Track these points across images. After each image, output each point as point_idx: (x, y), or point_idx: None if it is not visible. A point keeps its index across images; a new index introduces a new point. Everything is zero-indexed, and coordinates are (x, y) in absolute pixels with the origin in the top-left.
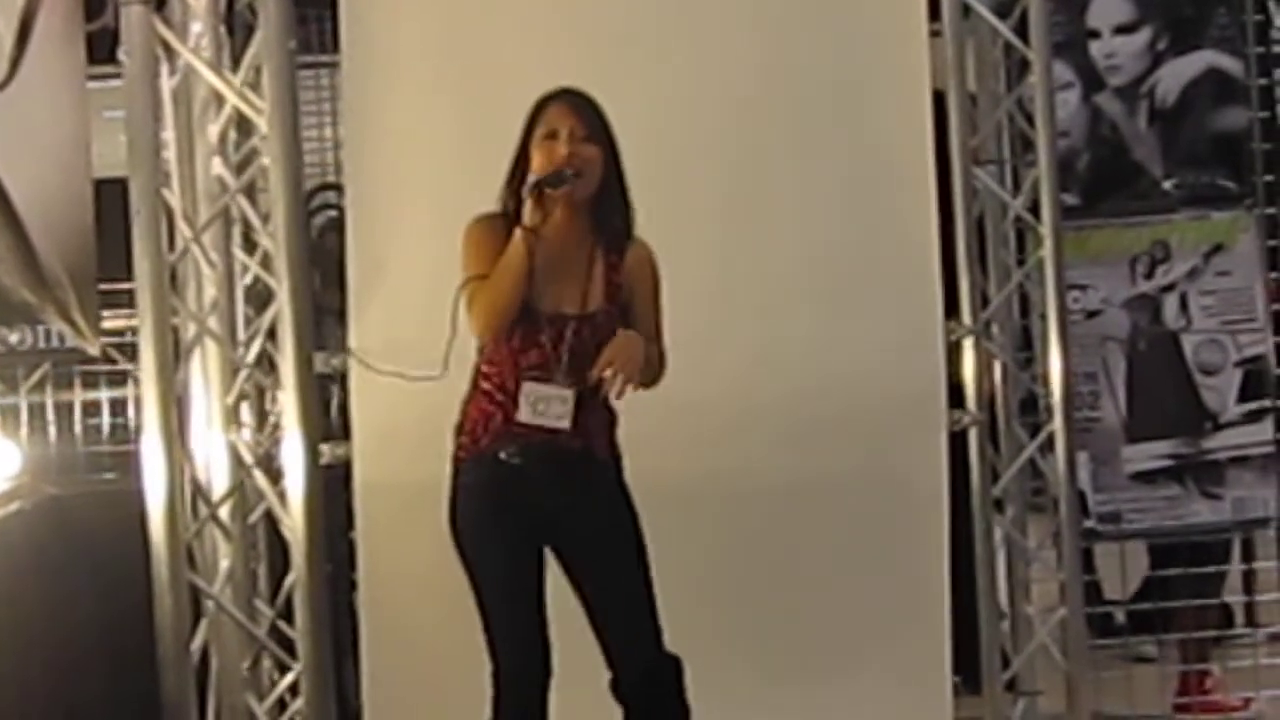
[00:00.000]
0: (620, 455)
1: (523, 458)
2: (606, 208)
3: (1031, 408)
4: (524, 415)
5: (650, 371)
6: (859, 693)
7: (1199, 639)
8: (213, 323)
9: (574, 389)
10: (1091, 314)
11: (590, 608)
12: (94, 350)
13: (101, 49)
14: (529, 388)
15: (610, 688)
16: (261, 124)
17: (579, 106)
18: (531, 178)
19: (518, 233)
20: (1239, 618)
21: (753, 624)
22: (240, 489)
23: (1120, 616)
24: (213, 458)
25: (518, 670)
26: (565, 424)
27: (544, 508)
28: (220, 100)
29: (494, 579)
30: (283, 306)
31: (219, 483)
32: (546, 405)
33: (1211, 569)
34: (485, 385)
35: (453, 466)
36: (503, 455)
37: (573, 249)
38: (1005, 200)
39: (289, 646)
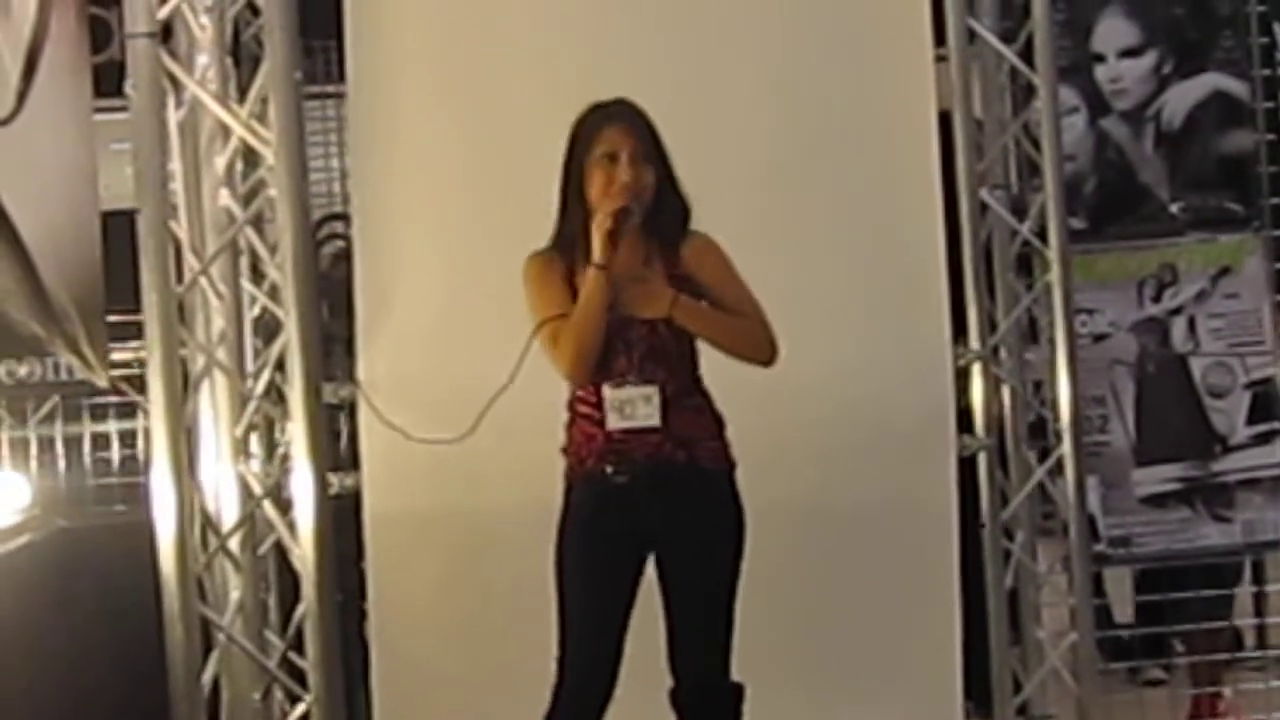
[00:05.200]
0: (734, 463)
1: (628, 475)
2: (660, 219)
3: (1040, 432)
4: (612, 422)
5: (762, 348)
6: (871, 717)
7: (1210, 662)
8: (221, 354)
9: (658, 386)
10: (1099, 337)
11: (670, 614)
12: (103, 383)
13: (108, 81)
14: (610, 394)
15: (670, 696)
16: (268, 155)
17: (636, 126)
18: (599, 220)
19: (593, 272)
20: (1249, 640)
21: (763, 649)
22: (250, 520)
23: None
24: (222, 489)
25: (583, 691)
26: (655, 421)
27: (650, 522)
28: (227, 132)
29: (585, 596)
30: (291, 337)
31: (229, 514)
32: (632, 407)
33: (1210, 592)
34: (580, 407)
35: (565, 486)
36: (608, 471)
37: (635, 263)
38: (1012, 225)
39: (300, 677)
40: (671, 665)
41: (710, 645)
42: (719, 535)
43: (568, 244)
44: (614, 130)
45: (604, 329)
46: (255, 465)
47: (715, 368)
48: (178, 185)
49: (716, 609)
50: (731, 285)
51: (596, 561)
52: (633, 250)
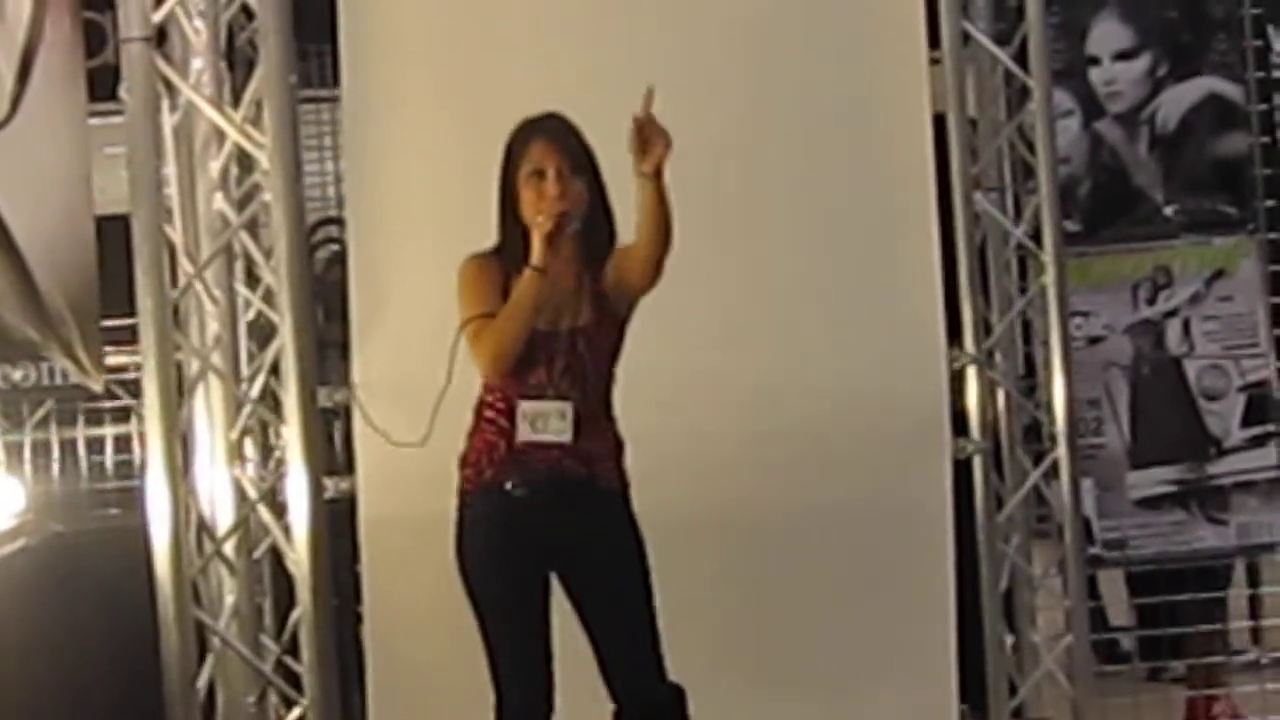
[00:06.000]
0: (628, 483)
1: (527, 488)
2: (592, 235)
3: (1035, 435)
4: (523, 434)
5: (646, 272)
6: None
7: (1207, 664)
8: (216, 358)
9: (573, 404)
10: (1094, 340)
11: (593, 638)
12: (97, 387)
13: (103, 86)
14: (526, 406)
15: (614, 718)
16: (263, 159)
17: (560, 139)
18: (538, 222)
19: (529, 273)
20: (1245, 643)
21: (759, 652)
22: (245, 524)
23: (1126, 643)
24: (217, 493)
25: (521, 704)
26: (566, 438)
27: (549, 538)
28: (221, 136)
29: (499, 612)
30: (286, 341)
31: (223, 518)
32: (545, 421)
33: (1204, 595)
34: (488, 414)
35: (458, 499)
36: (507, 486)
37: (565, 276)
38: (1007, 228)
39: (295, 681)
40: (609, 688)
41: (639, 660)
42: (619, 553)
43: (507, 254)
44: (539, 146)
45: (528, 332)
46: (250, 469)
47: (715, 369)
48: (172, 189)
49: (636, 622)
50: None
51: (503, 575)
52: (567, 270)
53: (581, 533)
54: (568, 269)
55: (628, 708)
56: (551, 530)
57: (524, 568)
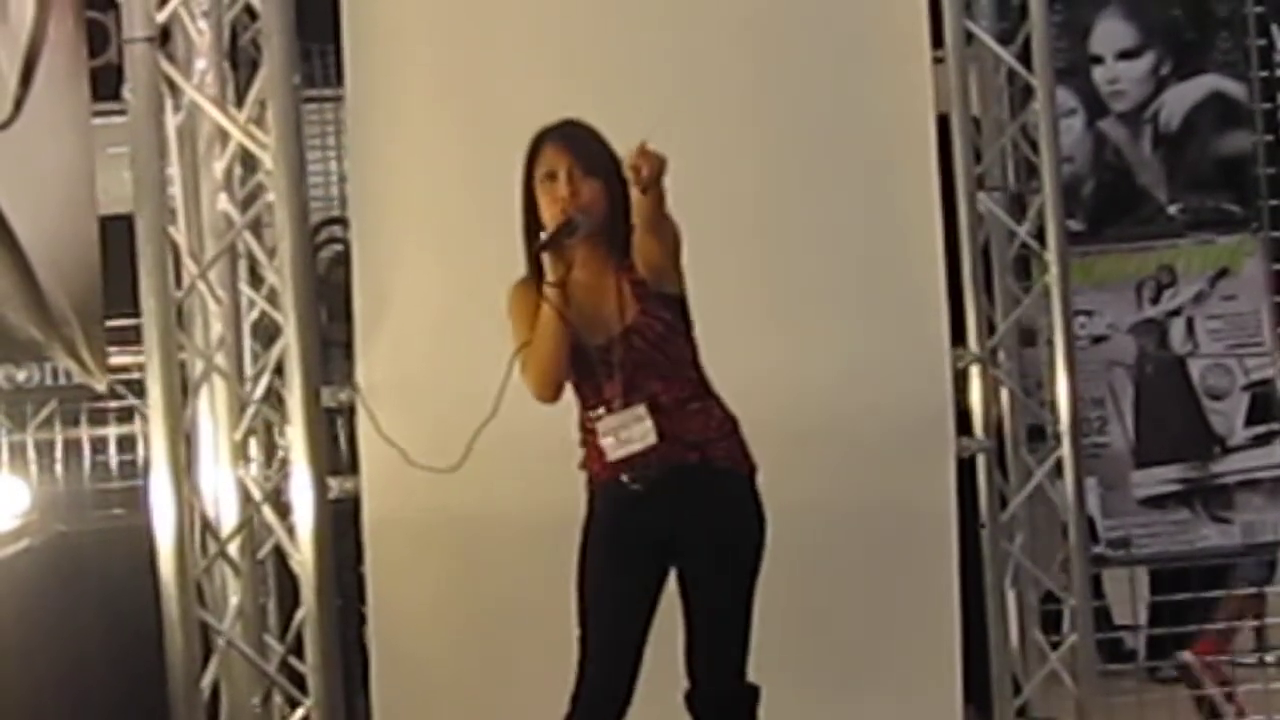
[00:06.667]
0: (752, 461)
1: (643, 483)
2: (616, 228)
3: (1039, 434)
4: (612, 453)
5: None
6: (870, 718)
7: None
8: (220, 359)
9: (645, 403)
10: (1098, 339)
11: (690, 618)
12: (101, 387)
13: (106, 86)
14: (603, 424)
15: (685, 698)
16: (266, 159)
17: (573, 143)
18: (542, 237)
19: (547, 291)
20: (1249, 642)
21: (761, 650)
22: (249, 524)
23: (1130, 642)
24: (221, 493)
25: (601, 700)
26: (651, 440)
27: (667, 530)
28: (225, 136)
29: (606, 606)
30: (290, 342)
31: (228, 518)
32: (627, 431)
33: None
34: (589, 426)
35: (588, 493)
36: (624, 479)
37: (599, 279)
38: (1011, 227)
39: (299, 682)
40: (689, 669)
41: (728, 651)
42: (738, 538)
43: (536, 269)
44: (551, 150)
45: (563, 348)
46: (254, 470)
47: (718, 368)
48: (176, 190)
49: (736, 614)
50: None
51: (616, 570)
52: (590, 268)
53: (699, 519)
54: (594, 267)
55: (703, 691)
56: (671, 519)
57: (640, 561)
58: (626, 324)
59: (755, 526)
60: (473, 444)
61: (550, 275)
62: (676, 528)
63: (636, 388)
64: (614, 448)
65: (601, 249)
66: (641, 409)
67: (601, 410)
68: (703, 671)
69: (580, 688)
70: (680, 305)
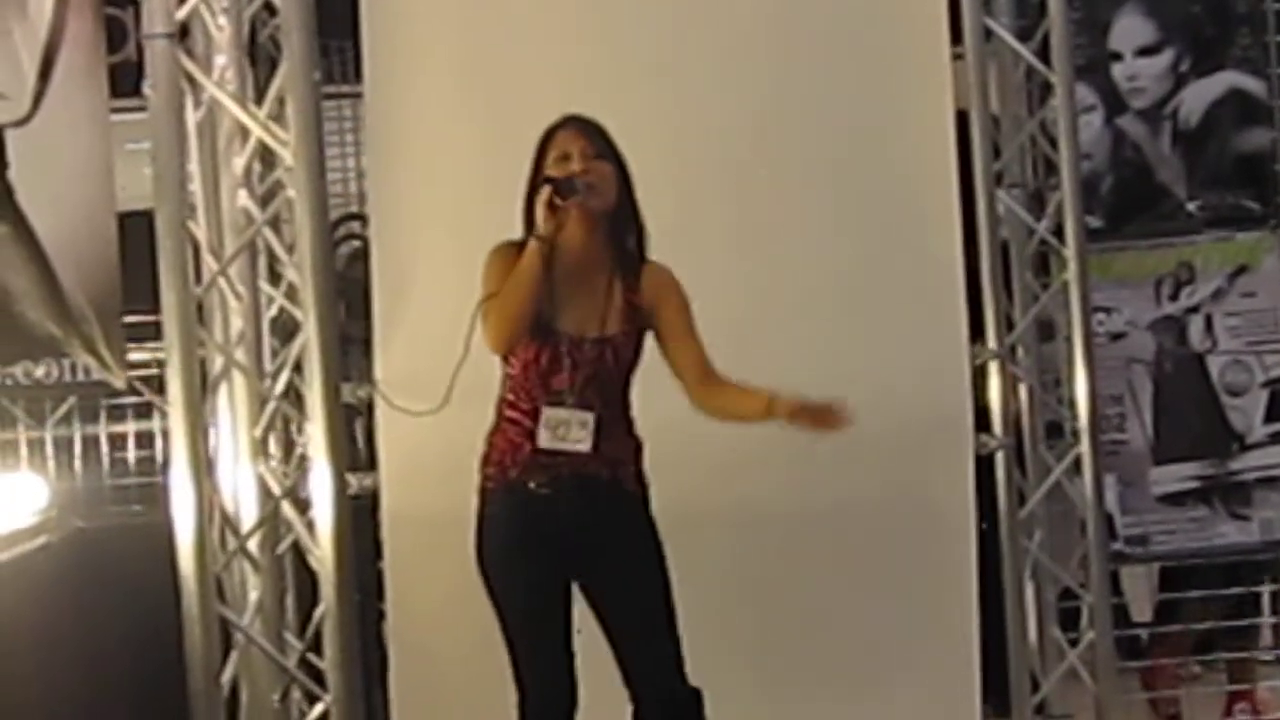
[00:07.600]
0: (648, 485)
1: (551, 488)
2: (621, 226)
3: (1058, 431)
4: (544, 440)
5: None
6: (888, 716)
7: (1238, 660)
8: (240, 355)
9: (594, 413)
10: (1116, 336)
11: (613, 639)
12: (120, 383)
13: (124, 81)
14: (549, 413)
15: (633, 718)
16: (286, 155)
17: (587, 130)
18: (544, 193)
19: (531, 242)
20: (1267, 639)
21: (780, 648)
22: (269, 520)
23: (1146, 638)
24: (241, 489)
25: (544, 702)
26: (585, 447)
27: (571, 539)
28: (245, 132)
29: (521, 610)
30: (309, 338)
31: (247, 514)
32: (566, 429)
33: (1233, 590)
34: (510, 414)
35: (479, 497)
36: (531, 485)
37: (591, 269)
38: (1029, 224)
39: (318, 678)
40: (628, 686)
41: (659, 660)
42: (639, 553)
43: (528, 223)
44: (565, 134)
45: (532, 305)
46: (274, 465)
47: (736, 365)
48: (196, 186)
49: (656, 622)
50: (685, 319)
51: (525, 574)
52: (596, 266)
53: (603, 533)
54: (589, 254)
55: (647, 706)
56: (573, 530)
57: (545, 566)
58: (605, 334)
59: (655, 546)
60: (453, 384)
61: (541, 228)
62: (580, 538)
63: (586, 394)
64: (549, 439)
65: (600, 237)
66: (589, 416)
67: (549, 401)
68: (641, 687)
69: (523, 696)
70: (642, 335)
